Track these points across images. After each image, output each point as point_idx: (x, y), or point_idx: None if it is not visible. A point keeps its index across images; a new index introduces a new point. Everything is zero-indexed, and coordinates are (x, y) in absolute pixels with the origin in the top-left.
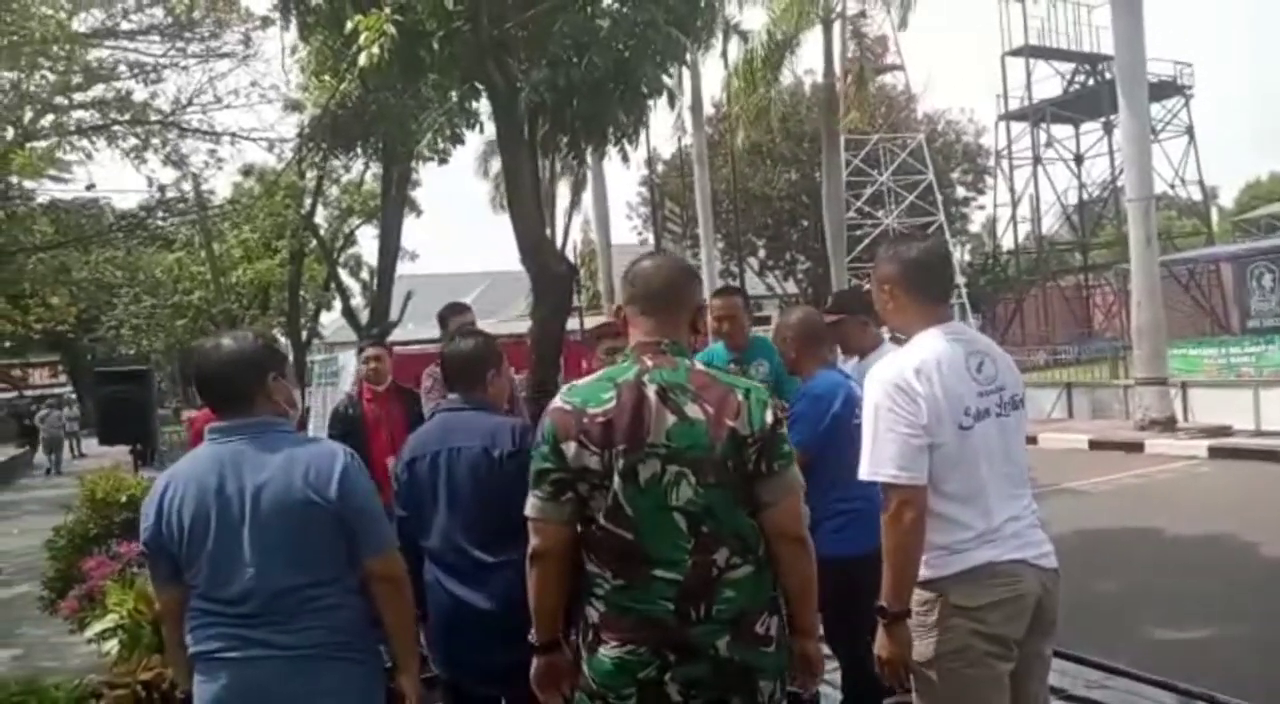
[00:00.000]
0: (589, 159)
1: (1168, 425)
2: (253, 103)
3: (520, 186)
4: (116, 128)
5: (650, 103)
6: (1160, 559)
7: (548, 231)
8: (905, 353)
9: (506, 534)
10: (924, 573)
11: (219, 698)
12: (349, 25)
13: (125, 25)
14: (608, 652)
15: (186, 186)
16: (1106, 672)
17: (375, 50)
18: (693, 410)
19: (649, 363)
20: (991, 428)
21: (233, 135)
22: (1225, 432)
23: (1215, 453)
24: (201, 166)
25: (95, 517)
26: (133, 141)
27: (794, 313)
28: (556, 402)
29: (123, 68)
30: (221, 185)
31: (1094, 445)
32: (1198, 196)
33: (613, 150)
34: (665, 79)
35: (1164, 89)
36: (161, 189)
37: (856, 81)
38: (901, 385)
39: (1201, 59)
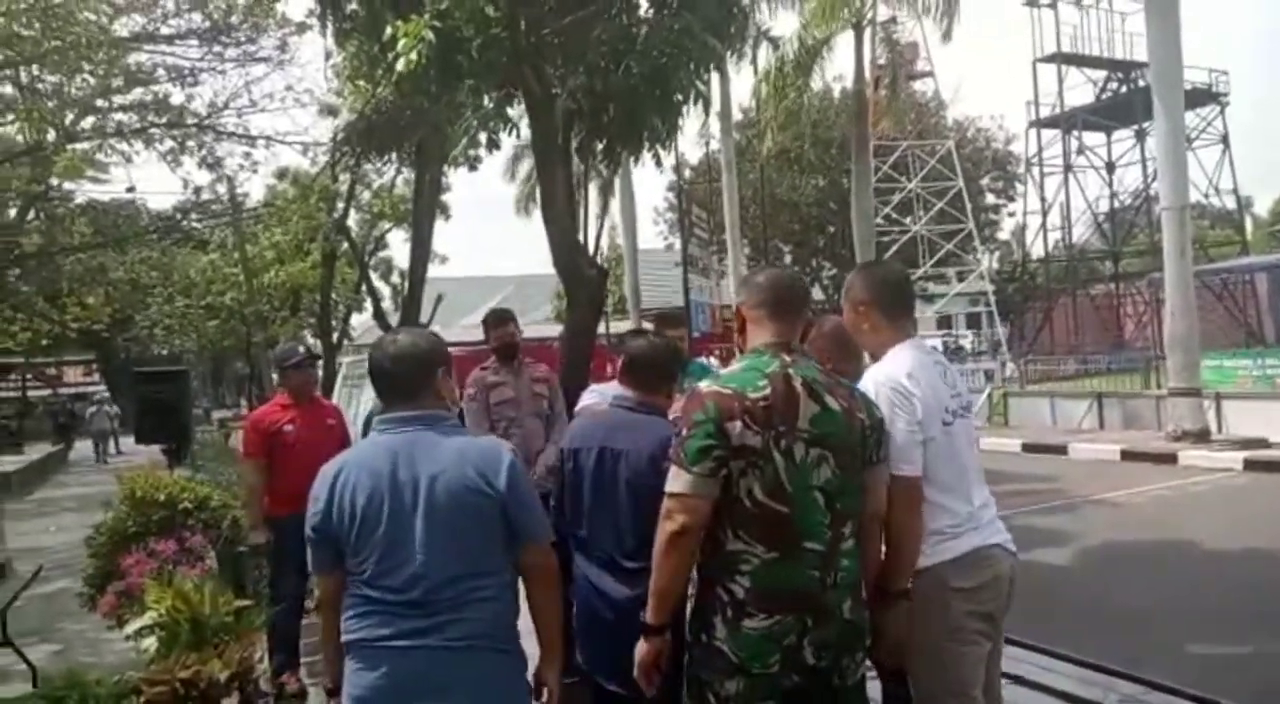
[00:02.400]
0: (627, 164)
1: (1201, 437)
2: (287, 107)
3: (554, 191)
4: (154, 130)
5: (685, 109)
6: (1195, 572)
7: (580, 236)
8: (891, 361)
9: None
10: (921, 562)
11: (377, 685)
12: (388, 31)
13: (164, 30)
14: (755, 625)
15: (221, 189)
16: (1143, 685)
17: (414, 56)
18: (831, 402)
19: (788, 359)
20: (961, 427)
21: (268, 139)
22: (1261, 444)
23: (1250, 465)
24: (236, 169)
25: (134, 514)
26: (169, 144)
27: (827, 322)
28: (710, 386)
29: (161, 72)
30: (256, 188)
31: (1126, 456)
32: (1232, 206)
33: (646, 156)
34: (699, 85)
35: (1199, 96)
36: (197, 191)
37: (889, 88)
38: (898, 387)
39: (1238, 67)
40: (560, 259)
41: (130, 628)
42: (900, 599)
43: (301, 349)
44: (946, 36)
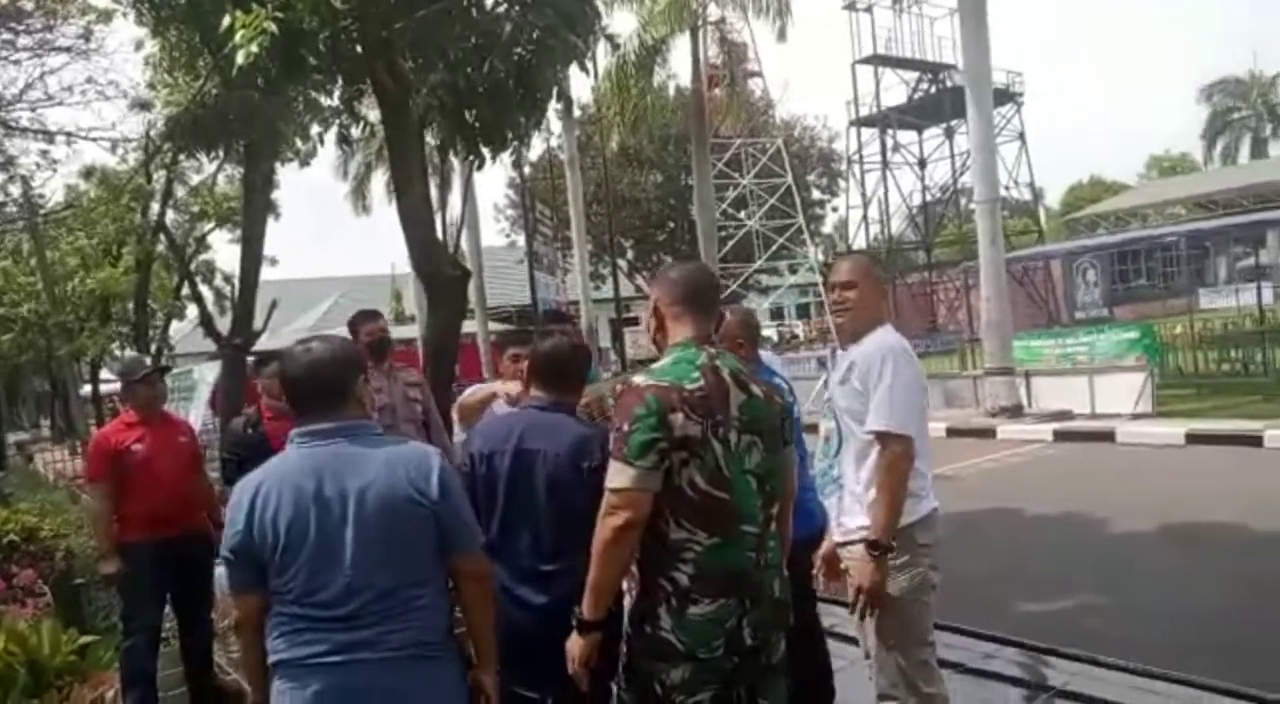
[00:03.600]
0: (487, 160)
1: (1016, 412)
2: (90, 100)
3: (411, 190)
4: None
5: (547, 106)
6: (1019, 537)
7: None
8: (888, 336)
9: (573, 545)
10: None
11: None
12: (225, 21)
13: None
14: (701, 611)
15: (15, 190)
16: (998, 643)
17: (254, 49)
18: (754, 389)
19: (712, 351)
20: None
21: (68, 135)
22: (1066, 416)
23: (1059, 436)
24: (32, 168)
25: None
26: None
27: (740, 311)
28: (646, 380)
29: None
30: (56, 189)
31: (950, 433)
32: (1028, 197)
33: (505, 154)
34: (561, 83)
35: (998, 96)
36: None
37: (728, 88)
38: (909, 353)
39: (1029, 68)
40: (419, 260)
41: None
42: (885, 552)
43: (148, 361)
44: (781, 36)
